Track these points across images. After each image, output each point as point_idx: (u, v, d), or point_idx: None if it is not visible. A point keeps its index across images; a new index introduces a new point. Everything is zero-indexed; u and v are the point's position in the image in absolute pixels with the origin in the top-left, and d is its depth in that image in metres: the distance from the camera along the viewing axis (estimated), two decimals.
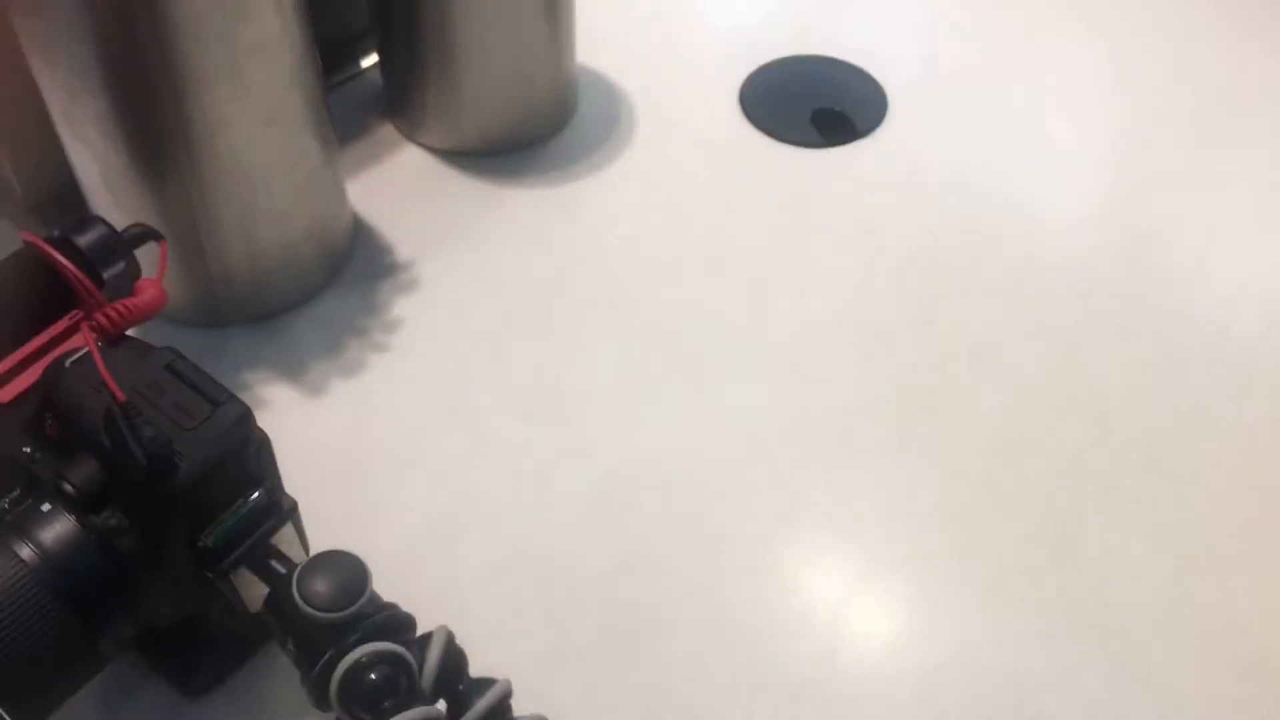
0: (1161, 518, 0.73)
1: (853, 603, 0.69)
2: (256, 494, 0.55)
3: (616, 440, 0.77)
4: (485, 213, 0.91)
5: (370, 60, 1.03)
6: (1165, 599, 0.69)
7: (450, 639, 0.55)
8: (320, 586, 0.52)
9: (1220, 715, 0.64)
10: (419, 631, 0.56)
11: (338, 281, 0.85)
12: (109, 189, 0.73)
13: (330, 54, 0.79)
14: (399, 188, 0.93)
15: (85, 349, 0.56)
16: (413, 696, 0.51)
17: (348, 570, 0.53)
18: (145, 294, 0.59)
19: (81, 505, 0.53)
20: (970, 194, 0.94)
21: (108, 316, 0.57)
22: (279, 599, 0.54)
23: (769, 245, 0.90)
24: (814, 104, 1.01)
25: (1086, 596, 0.70)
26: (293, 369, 0.80)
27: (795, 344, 0.83)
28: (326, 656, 0.52)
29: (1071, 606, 0.69)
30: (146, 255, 0.64)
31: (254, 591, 0.57)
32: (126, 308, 0.57)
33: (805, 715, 0.64)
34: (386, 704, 0.50)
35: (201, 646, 0.63)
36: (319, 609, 0.51)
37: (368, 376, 0.80)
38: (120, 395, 0.52)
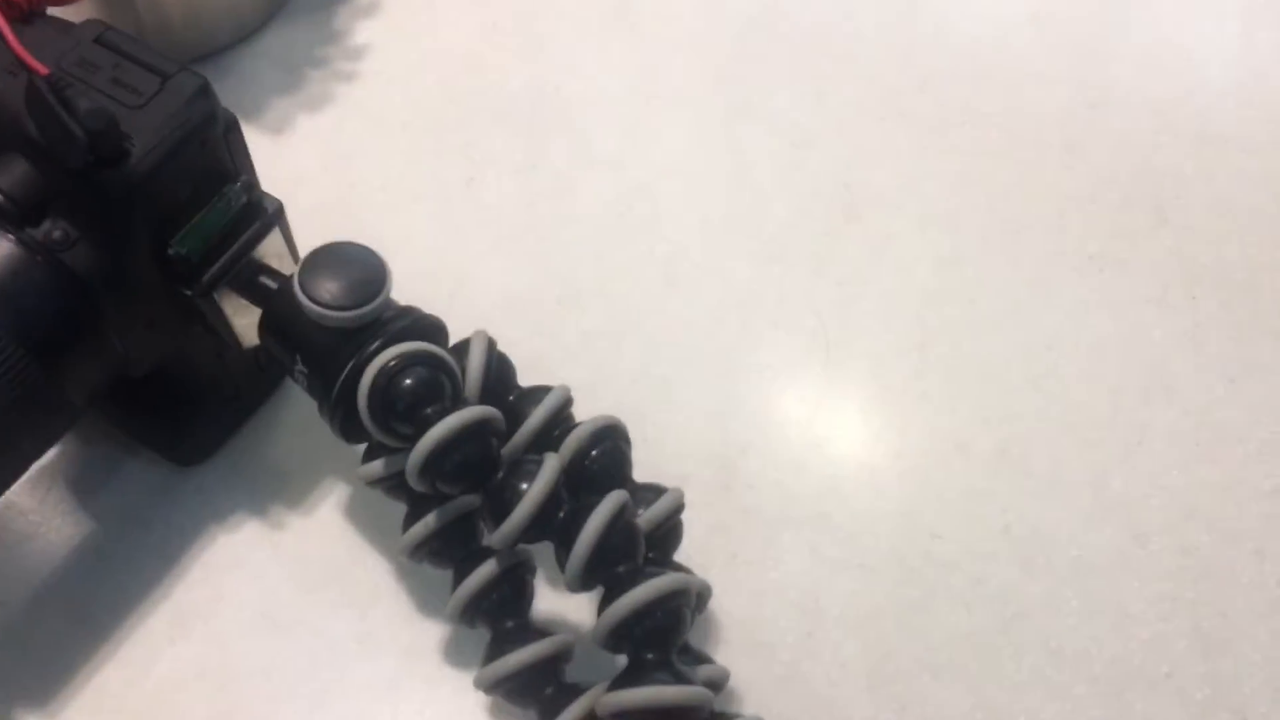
0: None
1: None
2: (234, 188, 0.45)
3: (646, 151, 0.66)
4: None
5: None
6: None
7: (492, 344, 0.46)
8: (329, 283, 0.42)
9: None
10: (451, 341, 0.47)
11: (286, 11, 0.73)
12: None
13: None
14: None
15: None
16: (458, 403, 0.42)
17: (360, 262, 0.44)
18: None
19: (17, 218, 0.43)
20: None
21: None
22: (278, 315, 0.45)
23: None
24: None
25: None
26: (247, 109, 0.68)
27: (836, 31, 0.72)
28: (349, 367, 0.42)
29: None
30: None
31: (245, 321, 0.47)
32: None
33: None
34: (429, 410, 0.41)
35: (191, 406, 0.53)
36: (331, 308, 0.42)
37: (338, 109, 0.69)
38: (41, 68, 0.41)
